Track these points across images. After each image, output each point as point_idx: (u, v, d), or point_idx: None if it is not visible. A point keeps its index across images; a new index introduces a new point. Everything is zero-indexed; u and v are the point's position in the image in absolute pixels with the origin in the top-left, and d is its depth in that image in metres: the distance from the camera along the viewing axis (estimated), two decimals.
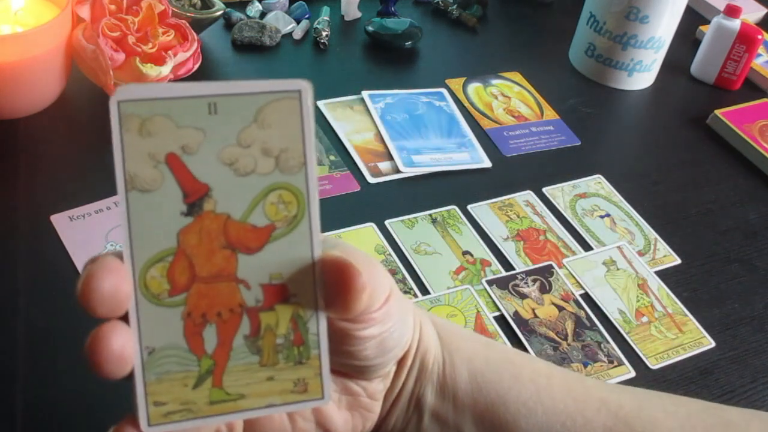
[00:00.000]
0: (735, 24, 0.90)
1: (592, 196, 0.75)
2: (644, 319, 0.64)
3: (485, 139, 0.80)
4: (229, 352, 0.31)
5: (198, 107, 0.29)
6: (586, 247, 0.70)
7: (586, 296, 0.65)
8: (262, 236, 0.30)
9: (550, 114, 0.86)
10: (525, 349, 0.59)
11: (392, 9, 0.94)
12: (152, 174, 0.29)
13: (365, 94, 0.82)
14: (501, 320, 0.62)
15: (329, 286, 0.31)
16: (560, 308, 0.63)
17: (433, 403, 0.37)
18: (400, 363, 0.37)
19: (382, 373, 0.36)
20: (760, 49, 0.97)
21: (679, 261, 0.70)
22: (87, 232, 0.62)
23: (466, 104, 0.84)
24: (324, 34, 0.88)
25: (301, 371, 0.31)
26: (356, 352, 0.33)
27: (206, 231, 0.30)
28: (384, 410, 0.38)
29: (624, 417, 0.37)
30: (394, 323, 0.33)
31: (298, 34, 0.90)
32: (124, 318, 0.29)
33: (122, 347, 0.28)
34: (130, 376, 0.30)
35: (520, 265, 0.67)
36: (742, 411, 0.40)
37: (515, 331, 0.61)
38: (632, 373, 0.59)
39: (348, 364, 0.34)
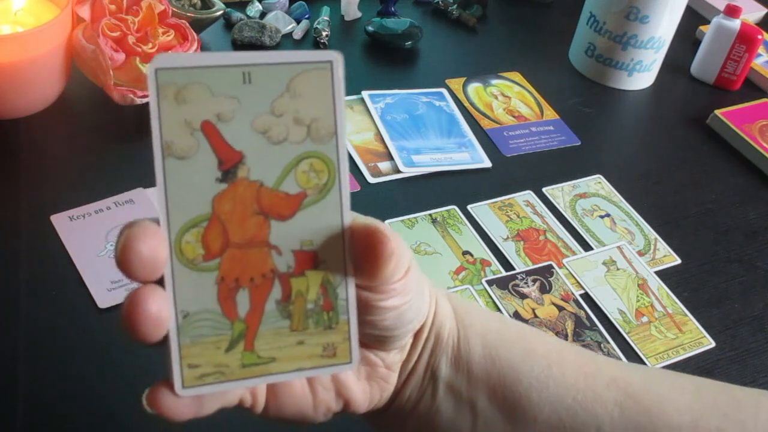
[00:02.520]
0: (735, 24, 0.90)
1: (592, 196, 0.75)
2: (644, 319, 0.64)
3: (485, 139, 0.80)
4: (260, 317, 0.31)
5: (233, 76, 0.29)
6: (586, 247, 0.70)
7: (586, 296, 0.65)
8: (293, 204, 0.31)
9: (550, 114, 0.86)
10: None
11: (392, 9, 0.94)
12: (188, 141, 0.29)
13: (365, 94, 0.82)
14: None
15: (358, 251, 0.31)
16: (560, 308, 0.63)
17: (448, 376, 0.38)
18: (417, 335, 0.37)
19: (400, 344, 0.36)
20: (760, 49, 0.97)
21: (679, 261, 0.70)
22: (87, 232, 0.62)
23: (466, 104, 0.85)
24: (324, 34, 0.88)
25: (330, 336, 0.32)
26: (377, 322, 0.33)
27: (240, 198, 0.30)
28: (400, 381, 0.38)
29: (633, 393, 0.38)
30: (414, 295, 0.34)
31: (298, 34, 0.90)
32: (159, 283, 0.30)
33: (159, 310, 0.29)
34: (164, 341, 0.30)
35: (520, 265, 0.67)
36: (749, 390, 0.41)
37: None
38: None
39: (368, 334, 0.34)
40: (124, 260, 0.28)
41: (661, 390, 0.38)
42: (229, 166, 0.30)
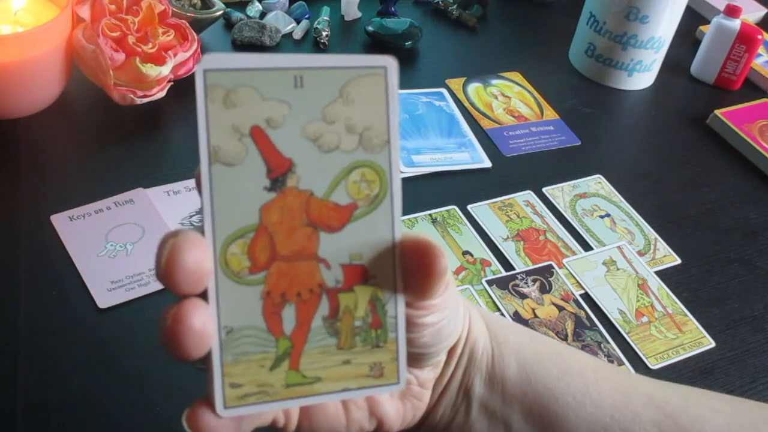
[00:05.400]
0: (735, 24, 0.90)
1: (592, 196, 0.75)
2: (644, 319, 0.64)
3: (485, 139, 0.80)
4: (307, 334, 0.30)
5: (284, 80, 0.28)
6: (586, 247, 0.70)
7: (586, 296, 0.65)
8: (344, 215, 0.30)
9: (550, 114, 0.86)
10: None
11: (392, 9, 0.94)
12: (236, 147, 0.28)
13: None
14: None
15: (410, 267, 0.30)
16: (560, 308, 0.63)
17: (482, 394, 0.37)
18: (450, 352, 0.37)
19: (434, 361, 0.35)
20: (760, 49, 0.97)
21: (679, 261, 0.70)
22: (87, 232, 0.62)
23: (466, 104, 0.85)
24: (324, 34, 0.88)
25: (378, 355, 0.31)
26: (414, 339, 0.32)
27: (288, 208, 0.29)
28: (433, 399, 0.37)
29: (671, 413, 0.37)
30: (451, 311, 0.33)
31: (298, 34, 0.90)
32: (201, 297, 0.28)
33: (203, 325, 0.27)
34: (205, 358, 0.29)
35: (520, 265, 0.67)
36: None
37: None
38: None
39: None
40: (168, 272, 0.26)
41: (698, 410, 0.38)
42: (278, 174, 0.29)
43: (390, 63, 0.29)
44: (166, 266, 0.26)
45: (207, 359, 0.29)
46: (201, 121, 0.27)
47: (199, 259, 0.27)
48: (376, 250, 0.30)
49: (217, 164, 0.28)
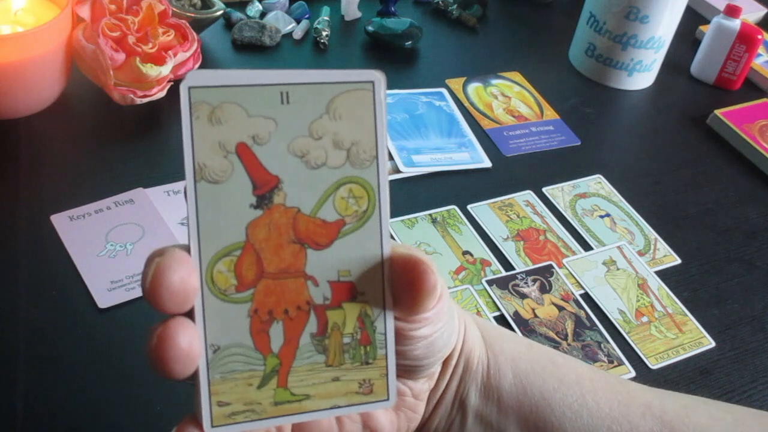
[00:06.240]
0: (735, 24, 0.90)
1: (592, 196, 0.75)
2: (644, 319, 0.64)
3: (485, 139, 0.80)
4: (295, 351, 0.30)
5: (270, 95, 0.28)
6: (586, 247, 0.70)
7: (586, 296, 0.65)
8: (331, 231, 0.30)
9: (550, 114, 0.86)
10: None
11: (392, 9, 0.94)
12: (222, 164, 0.28)
13: None
14: (501, 320, 0.62)
15: (400, 284, 0.30)
16: (560, 308, 0.63)
17: (477, 404, 0.37)
18: (445, 363, 0.36)
19: (428, 373, 0.35)
20: (760, 49, 0.97)
21: (679, 261, 0.70)
22: (87, 232, 0.62)
23: (466, 104, 0.84)
24: (324, 34, 0.88)
25: (367, 372, 0.31)
26: (407, 352, 0.32)
27: (275, 225, 0.29)
28: (427, 411, 0.37)
29: (669, 422, 0.37)
30: (444, 323, 0.33)
31: (298, 34, 0.90)
32: (188, 315, 0.28)
33: (190, 344, 0.27)
34: (192, 376, 0.29)
35: (520, 265, 0.67)
36: None
37: (515, 332, 0.61)
38: (632, 373, 0.59)
39: (397, 364, 0.33)
40: (153, 291, 0.26)
41: (698, 419, 0.38)
42: (265, 191, 0.29)
43: (377, 77, 0.29)
44: (151, 285, 0.26)
45: (194, 377, 0.29)
46: (186, 138, 0.27)
47: (185, 277, 0.27)
48: (364, 266, 0.30)
49: (202, 182, 0.28)
